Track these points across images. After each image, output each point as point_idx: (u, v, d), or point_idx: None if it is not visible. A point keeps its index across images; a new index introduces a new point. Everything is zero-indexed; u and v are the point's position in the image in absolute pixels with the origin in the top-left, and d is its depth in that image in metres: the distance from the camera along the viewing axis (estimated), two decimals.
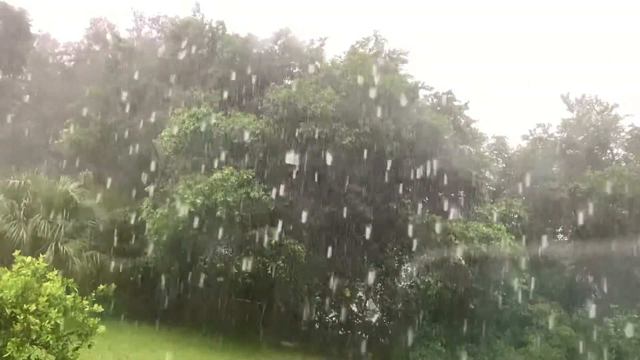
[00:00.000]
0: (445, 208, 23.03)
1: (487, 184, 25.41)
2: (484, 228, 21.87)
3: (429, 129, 22.65)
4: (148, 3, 65.92)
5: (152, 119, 25.24)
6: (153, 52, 30.69)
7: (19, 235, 18.76)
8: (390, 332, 25.48)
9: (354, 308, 25.88)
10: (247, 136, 21.80)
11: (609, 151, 29.75)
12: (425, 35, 64.03)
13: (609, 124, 28.98)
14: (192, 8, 28.87)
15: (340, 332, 25.87)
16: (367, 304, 26.20)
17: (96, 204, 22.14)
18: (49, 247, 18.74)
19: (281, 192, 21.39)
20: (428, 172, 22.79)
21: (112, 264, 20.77)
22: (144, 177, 23.54)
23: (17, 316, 7.22)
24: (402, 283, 24.45)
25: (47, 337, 7.38)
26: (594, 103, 30.17)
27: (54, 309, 7.50)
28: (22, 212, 19.66)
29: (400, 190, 22.93)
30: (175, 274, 22.65)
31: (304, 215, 21.41)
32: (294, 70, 27.70)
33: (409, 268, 23.80)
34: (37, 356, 7.65)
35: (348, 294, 24.88)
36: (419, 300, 22.51)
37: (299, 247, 21.06)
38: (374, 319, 26.27)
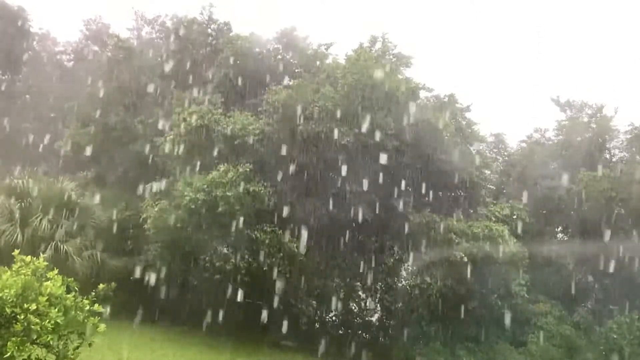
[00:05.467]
0: (446, 207, 23.03)
1: (487, 184, 25.40)
2: (485, 228, 21.88)
3: (429, 128, 22.63)
4: (149, 3, 65.87)
5: (153, 119, 25.24)
6: (154, 52, 30.68)
7: (19, 235, 18.75)
8: (390, 331, 25.45)
9: (354, 307, 25.85)
10: (247, 136, 21.82)
11: (606, 152, 29.79)
12: (425, 38, 64.01)
13: (603, 125, 29.04)
14: (202, 5, 28.85)
15: (340, 332, 25.83)
16: (367, 304, 26.16)
17: (96, 203, 22.15)
18: (49, 247, 18.72)
19: (281, 192, 21.38)
20: (428, 171, 22.82)
21: (112, 263, 20.77)
22: (144, 176, 23.54)
23: (18, 316, 7.20)
24: (402, 282, 24.42)
25: (48, 336, 7.36)
26: (583, 106, 30.26)
27: (54, 308, 7.48)
28: (22, 212, 19.64)
29: (401, 189, 22.91)
30: (176, 273, 22.64)
31: (304, 214, 21.40)
32: (296, 70, 27.65)
33: (409, 267, 23.77)
34: (38, 355, 7.62)
35: (348, 294, 24.84)
36: (419, 299, 22.49)
37: (299, 245, 21.05)
38: (374, 319, 26.24)
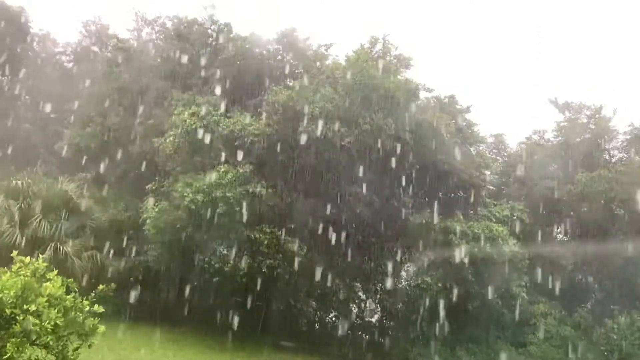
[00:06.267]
0: (446, 208, 23.02)
1: (487, 184, 25.40)
2: (485, 228, 21.89)
3: (429, 128, 22.64)
4: (150, 4, 65.88)
5: (152, 119, 25.24)
6: (154, 52, 30.68)
7: (19, 236, 18.74)
8: (390, 332, 25.47)
9: (354, 308, 25.85)
10: (247, 137, 21.83)
11: (605, 153, 29.78)
12: (425, 38, 64.02)
13: (602, 126, 29.04)
14: (203, 6, 28.81)
15: (340, 332, 25.85)
16: (367, 304, 26.17)
17: (96, 203, 22.15)
18: (49, 247, 18.71)
19: (281, 192, 21.39)
20: (428, 172, 22.82)
21: (112, 263, 20.77)
22: (144, 177, 23.54)
23: (17, 317, 7.19)
24: (402, 283, 24.43)
25: (47, 337, 7.34)
26: (582, 107, 30.25)
27: (54, 309, 7.46)
28: (21, 213, 19.62)
29: (401, 190, 22.93)
30: (175, 274, 22.65)
31: (304, 214, 21.40)
32: (296, 71, 27.65)
33: (409, 268, 23.79)
34: (37, 356, 7.61)
35: (348, 294, 24.85)
36: (419, 300, 22.50)
37: (298, 246, 21.05)
38: (374, 319, 26.25)
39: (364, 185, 21.97)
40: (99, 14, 42.18)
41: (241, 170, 20.63)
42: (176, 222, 20.50)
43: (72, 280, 8.19)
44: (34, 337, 7.32)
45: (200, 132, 21.77)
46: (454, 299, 21.95)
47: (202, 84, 26.50)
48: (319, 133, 21.44)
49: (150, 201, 21.67)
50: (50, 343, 7.43)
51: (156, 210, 20.82)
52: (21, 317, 7.17)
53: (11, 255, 8.20)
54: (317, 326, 25.88)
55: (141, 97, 26.80)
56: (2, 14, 34.98)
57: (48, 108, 33.68)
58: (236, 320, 22.34)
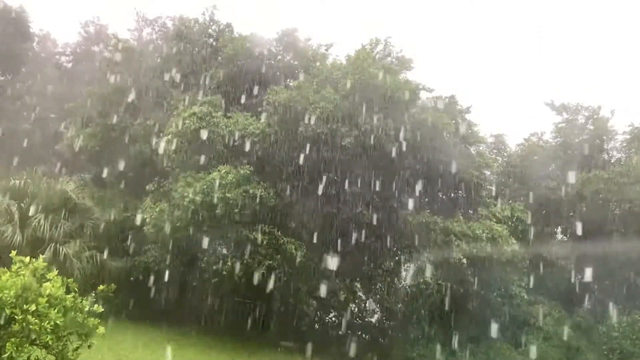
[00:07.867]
0: (446, 208, 23.01)
1: (487, 184, 25.40)
2: (485, 228, 21.90)
3: (429, 128, 22.62)
4: (150, 4, 65.95)
5: (152, 119, 25.24)
6: (154, 52, 30.68)
7: (19, 236, 18.72)
8: (390, 332, 25.47)
9: (354, 308, 25.85)
10: (247, 137, 21.83)
11: (604, 153, 29.79)
12: (425, 39, 63.97)
13: (600, 127, 29.04)
14: (205, 7, 28.84)
15: (340, 332, 25.85)
16: (367, 304, 26.17)
17: (95, 204, 22.14)
18: (49, 247, 18.69)
19: (280, 192, 21.38)
20: (429, 172, 22.82)
21: (112, 263, 20.77)
22: (144, 177, 23.54)
23: (17, 316, 7.20)
24: (402, 283, 24.44)
25: (47, 337, 7.36)
26: (579, 108, 30.24)
27: (54, 309, 7.47)
28: (21, 213, 19.60)
29: (401, 190, 22.92)
30: (175, 274, 22.64)
31: (304, 215, 21.39)
32: (296, 71, 27.64)
33: (409, 268, 23.78)
34: (37, 356, 7.62)
35: (348, 294, 24.86)
36: (419, 300, 22.50)
37: (298, 246, 21.05)
38: (374, 319, 26.25)
39: (364, 186, 21.96)
40: (99, 14, 42.33)
41: (242, 171, 20.62)
42: (175, 223, 20.49)
43: (72, 280, 8.22)
44: (33, 337, 7.33)
45: (199, 132, 21.77)
46: (454, 299, 21.97)
47: (202, 84, 26.49)
48: (319, 133, 21.45)
49: (149, 204, 21.65)
50: (50, 343, 7.44)
51: (157, 210, 20.82)
52: (20, 317, 7.17)
53: (11, 255, 8.21)
54: (317, 326, 25.87)
55: (141, 98, 26.78)
56: (2, 14, 34.99)
57: (48, 108, 33.71)
58: (236, 320, 22.36)
